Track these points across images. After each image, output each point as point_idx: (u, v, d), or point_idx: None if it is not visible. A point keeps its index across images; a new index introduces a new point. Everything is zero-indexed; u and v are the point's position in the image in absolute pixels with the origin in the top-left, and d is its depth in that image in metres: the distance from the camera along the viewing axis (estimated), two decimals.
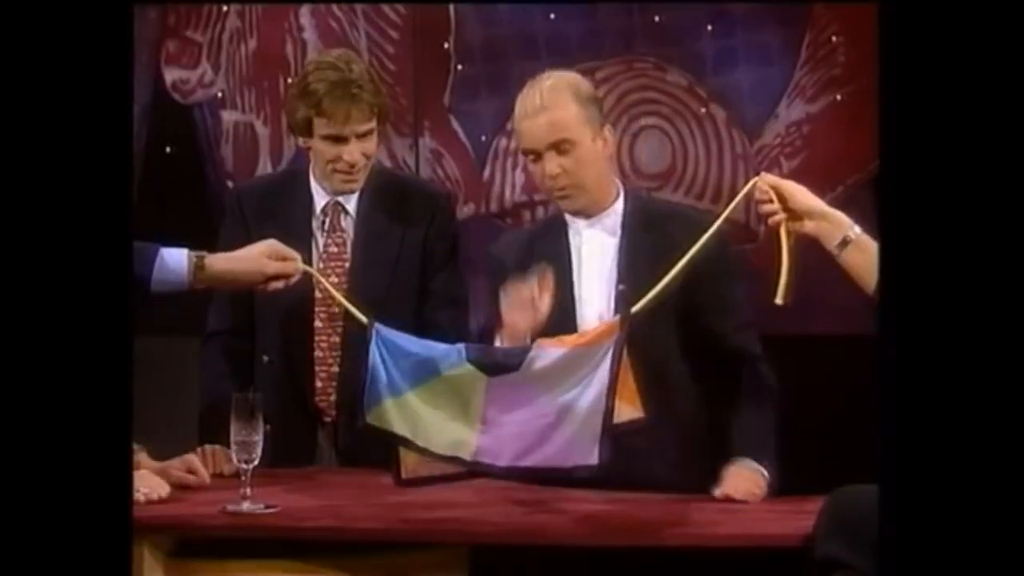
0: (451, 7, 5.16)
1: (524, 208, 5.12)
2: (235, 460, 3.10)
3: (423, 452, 3.12)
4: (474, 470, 3.17)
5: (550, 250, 3.41)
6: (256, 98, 5.24)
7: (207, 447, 3.49)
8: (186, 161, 5.22)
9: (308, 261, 3.52)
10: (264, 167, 5.22)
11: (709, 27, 5.05)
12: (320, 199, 3.67)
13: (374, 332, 3.15)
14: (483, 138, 5.14)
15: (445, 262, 3.70)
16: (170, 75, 5.24)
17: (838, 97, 5.04)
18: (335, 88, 3.52)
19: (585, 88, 3.39)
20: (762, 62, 5.03)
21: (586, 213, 3.41)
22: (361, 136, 3.56)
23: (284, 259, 3.32)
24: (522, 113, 3.35)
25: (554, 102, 3.32)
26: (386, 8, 5.20)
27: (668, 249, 3.20)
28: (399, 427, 3.12)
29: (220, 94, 5.25)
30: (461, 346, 3.14)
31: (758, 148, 5.03)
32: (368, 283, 3.61)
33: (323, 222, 3.66)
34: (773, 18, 5.05)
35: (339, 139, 3.56)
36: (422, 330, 3.46)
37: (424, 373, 3.13)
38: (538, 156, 3.34)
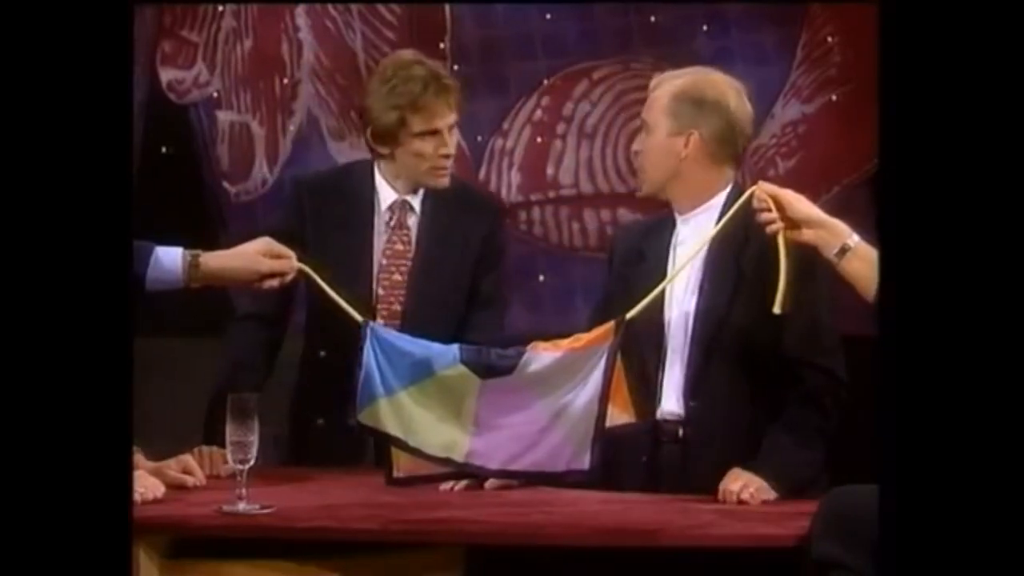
0: (447, 7, 5.16)
1: (520, 208, 5.12)
2: (231, 461, 3.09)
3: (415, 453, 3.12)
4: (466, 472, 3.18)
5: (653, 246, 3.46)
6: (252, 98, 5.23)
7: (203, 448, 3.49)
8: (181, 161, 5.22)
9: (369, 255, 3.64)
10: (260, 167, 5.21)
11: (705, 27, 5.05)
12: (388, 196, 3.70)
13: (368, 331, 3.15)
14: (479, 138, 5.14)
15: (494, 266, 3.75)
16: (166, 75, 5.23)
17: (834, 97, 5.04)
18: (430, 83, 3.59)
19: (695, 90, 3.40)
20: (758, 62, 5.03)
21: (677, 205, 3.45)
22: (451, 128, 3.64)
23: (279, 257, 3.32)
24: None
25: (659, 87, 3.43)
26: (382, 8, 5.20)
27: (752, 243, 3.25)
28: (392, 427, 3.12)
29: (216, 94, 5.25)
30: (455, 347, 3.15)
31: (754, 148, 5.02)
32: (429, 281, 3.67)
33: (389, 219, 3.70)
34: (769, 18, 5.05)
35: (435, 133, 3.61)
36: (462, 328, 3.58)
37: (418, 373, 3.13)
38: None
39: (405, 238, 3.70)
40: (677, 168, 3.40)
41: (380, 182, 3.71)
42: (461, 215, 3.72)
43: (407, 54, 3.72)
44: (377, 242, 3.69)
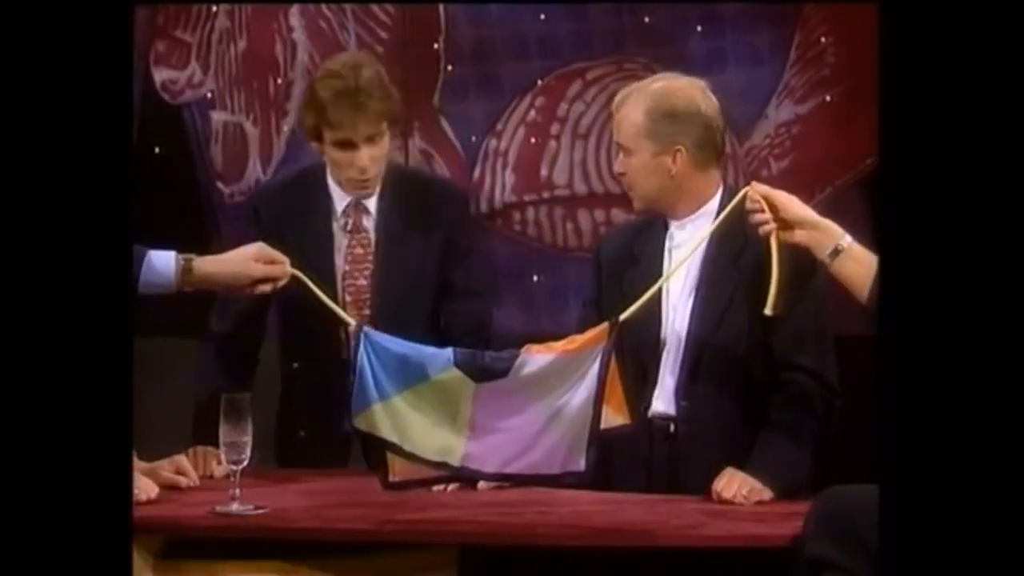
0: (441, 7, 5.15)
1: (514, 209, 5.12)
2: (224, 461, 3.09)
3: (411, 457, 3.12)
4: (461, 475, 3.18)
5: (647, 249, 3.45)
6: (245, 98, 5.22)
7: (198, 448, 3.48)
8: (175, 161, 5.20)
9: (331, 262, 3.59)
10: (254, 167, 5.21)
11: (699, 28, 5.04)
12: (340, 201, 3.67)
13: (362, 335, 3.14)
14: (473, 139, 5.14)
15: (465, 255, 3.70)
16: (159, 75, 5.23)
17: (827, 98, 5.03)
18: (339, 98, 3.51)
19: (666, 104, 3.36)
20: (752, 63, 5.03)
21: (673, 215, 3.42)
22: (370, 141, 3.56)
23: (272, 262, 3.32)
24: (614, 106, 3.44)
25: (626, 107, 3.39)
26: (376, 8, 5.19)
27: (750, 247, 3.23)
28: (387, 432, 3.11)
29: (209, 94, 5.24)
30: (449, 350, 3.14)
31: (747, 149, 5.03)
32: (393, 282, 3.64)
33: (345, 224, 3.66)
34: (763, 19, 5.04)
35: (349, 145, 3.55)
36: (442, 321, 3.59)
37: (412, 377, 3.12)
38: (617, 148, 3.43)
39: (364, 241, 3.66)
40: (669, 185, 3.39)
41: (332, 185, 3.66)
42: (418, 210, 3.66)
43: (340, 60, 3.65)
44: (337, 248, 3.65)
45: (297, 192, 3.71)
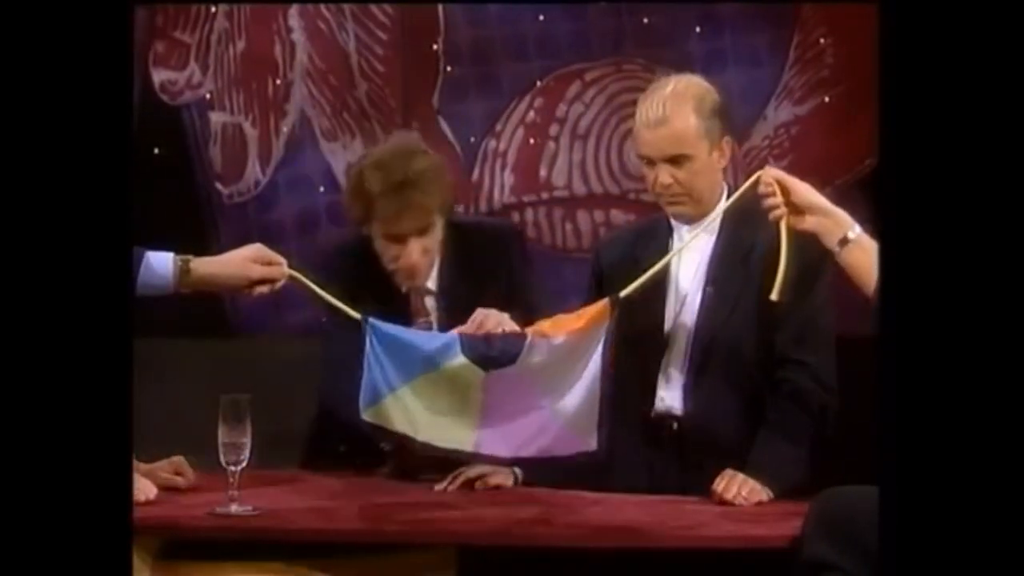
0: (440, 8, 5.16)
1: (513, 210, 5.12)
2: (223, 462, 3.09)
3: (424, 448, 3.13)
4: (477, 462, 3.19)
5: (651, 252, 3.41)
6: (244, 99, 5.22)
7: None
8: (174, 162, 5.20)
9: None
10: (252, 168, 5.20)
11: (698, 28, 5.05)
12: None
13: (368, 328, 3.15)
14: (472, 139, 5.14)
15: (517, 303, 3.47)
16: (158, 76, 5.22)
17: (826, 99, 5.04)
18: (388, 191, 3.40)
19: (709, 99, 3.36)
20: (751, 64, 5.03)
21: (691, 218, 3.40)
22: (421, 232, 3.45)
23: (270, 263, 3.31)
24: (642, 121, 3.35)
25: (675, 115, 3.32)
26: (375, 9, 5.19)
27: (758, 247, 3.24)
28: (398, 423, 3.12)
29: (208, 95, 5.24)
30: (456, 338, 3.14)
31: (746, 150, 5.03)
32: None
33: (408, 302, 3.55)
34: (762, 19, 5.05)
35: (397, 238, 3.45)
36: None
37: (421, 367, 3.13)
38: (652, 163, 3.35)
39: (428, 322, 3.54)
40: (717, 180, 3.40)
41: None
42: (475, 272, 3.52)
43: (390, 147, 3.51)
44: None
45: (356, 268, 3.54)
